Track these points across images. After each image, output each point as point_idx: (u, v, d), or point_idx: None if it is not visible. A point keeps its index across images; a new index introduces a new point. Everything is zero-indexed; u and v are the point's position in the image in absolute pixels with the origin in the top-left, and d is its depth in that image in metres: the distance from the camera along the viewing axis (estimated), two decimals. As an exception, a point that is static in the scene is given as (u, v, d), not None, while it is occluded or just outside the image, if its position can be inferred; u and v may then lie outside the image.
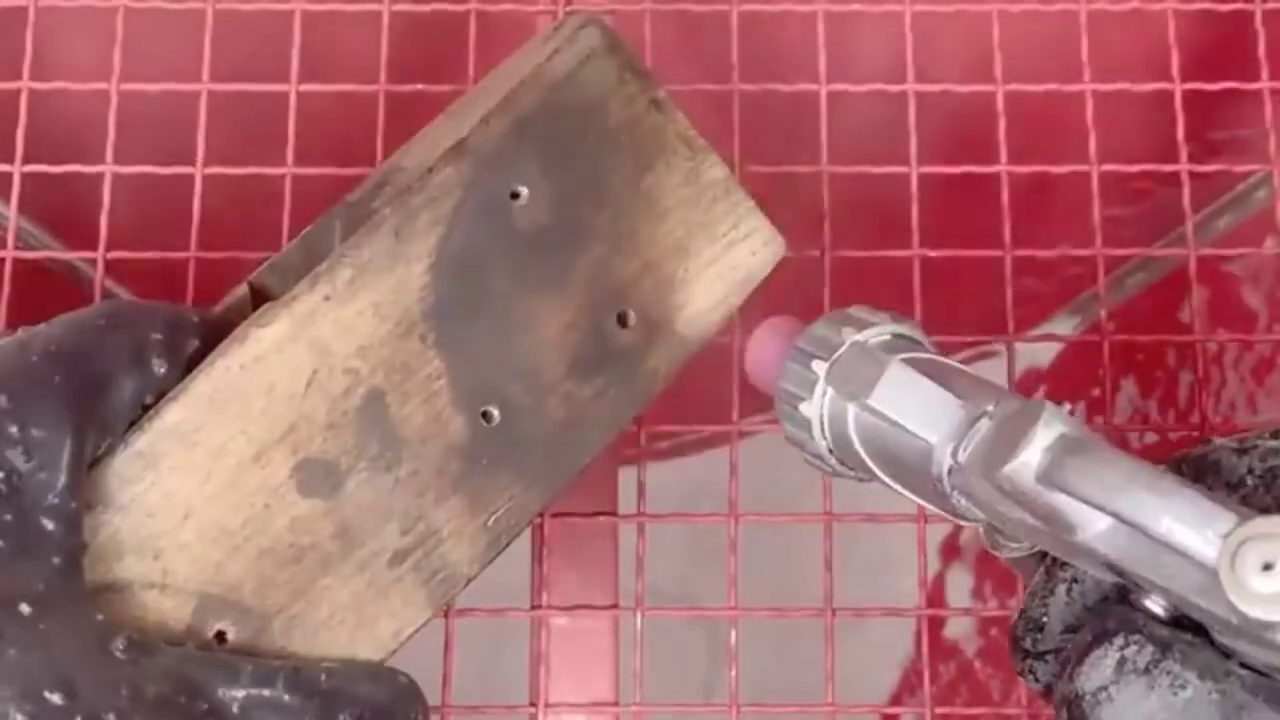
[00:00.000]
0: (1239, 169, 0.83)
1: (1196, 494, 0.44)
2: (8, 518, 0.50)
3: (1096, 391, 0.71)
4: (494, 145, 0.58)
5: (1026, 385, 1.12)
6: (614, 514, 0.71)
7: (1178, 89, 0.75)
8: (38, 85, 0.74)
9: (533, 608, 0.69)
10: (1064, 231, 0.75)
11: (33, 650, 0.49)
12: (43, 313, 0.56)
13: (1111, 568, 0.47)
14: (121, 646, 0.50)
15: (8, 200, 0.73)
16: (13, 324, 0.70)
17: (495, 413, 0.58)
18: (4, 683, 0.48)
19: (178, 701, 0.51)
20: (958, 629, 1.08)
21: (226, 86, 0.74)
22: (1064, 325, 1.10)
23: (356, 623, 0.57)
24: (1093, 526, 0.46)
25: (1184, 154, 0.74)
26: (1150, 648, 0.48)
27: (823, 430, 0.54)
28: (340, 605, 0.56)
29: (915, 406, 0.51)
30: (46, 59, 0.74)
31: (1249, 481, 0.51)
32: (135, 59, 0.74)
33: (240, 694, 0.52)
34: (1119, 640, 0.49)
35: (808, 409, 0.54)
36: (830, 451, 0.55)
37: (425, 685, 0.58)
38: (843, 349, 0.53)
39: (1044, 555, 0.54)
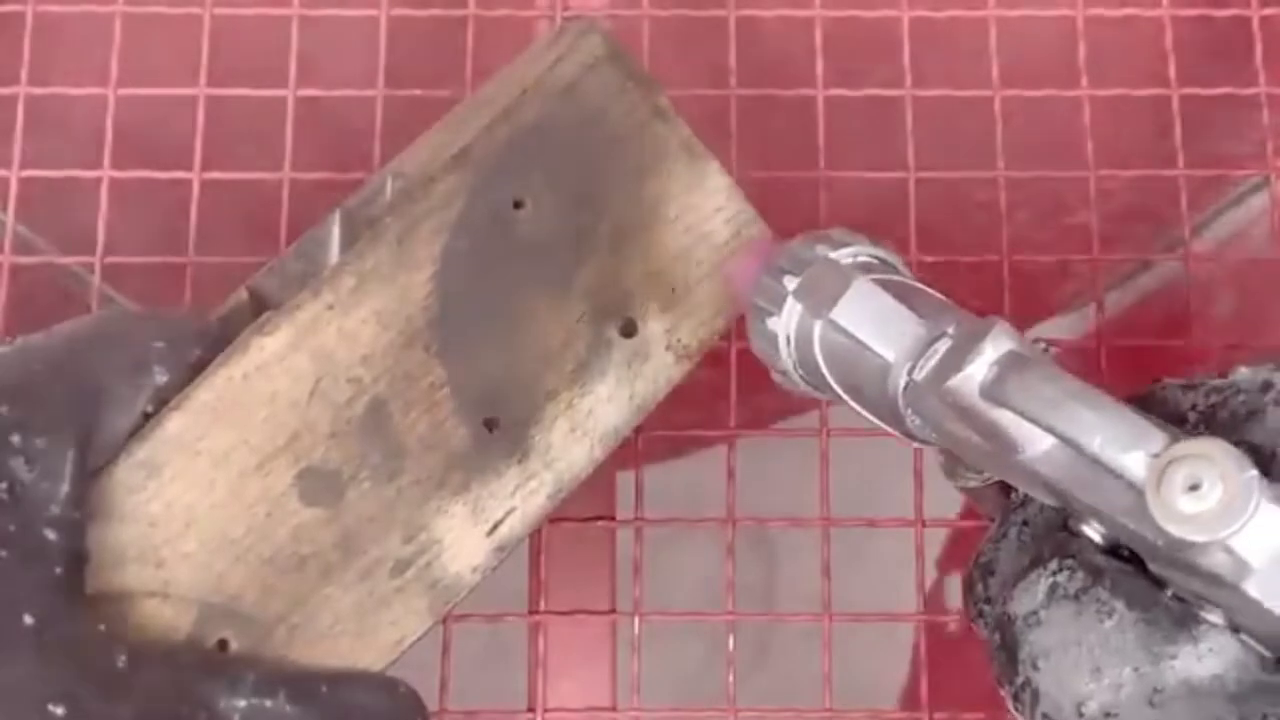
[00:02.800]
0: (1236, 174, 0.82)
1: (1131, 413, 0.45)
2: (10, 528, 0.49)
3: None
4: (497, 153, 0.58)
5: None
6: (612, 519, 0.71)
7: (1175, 94, 0.75)
8: (35, 90, 0.74)
9: (530, 613, 0.69)
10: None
11: (36, 662, 0.49)
12: (40, 318, 0.56)
13: (1051, 490, 0.47)
14: (124, 658, 0.50)
15: (5, 205, 0.73)
16: (10, 329, 0.69)
17: (498, 421, 0.58)
18: (7, 696, 0.48)
19: (180, 712, 0.51)
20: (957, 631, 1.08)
21: (224, 91, 0.74)
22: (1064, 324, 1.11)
23: (358, 632, 0.57)
24: (1034, 446, 0.47)
25: (1180, 159, 0.74)
26: (1081, 574, 0.48)
27: (789, 346, 0.54)
28: (342, 614, 0.56)
29: (875, 323, 0.51)
30: (44, 63, 0.74)
31: (1190, 417, 0.51)
32: (133, 63, 0.73)
33: (242, 704, 0.52)
34: (1053, 565, 0.49)
35: (775, 324, 0.54)
36: (796, 367, 0.54)
37: (423, 690, 0.57)
38: (813, 265, 0.53)
39: (1003, 487, 0.54)
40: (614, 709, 0.69)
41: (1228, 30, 0.76)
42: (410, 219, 0.56)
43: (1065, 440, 0.45)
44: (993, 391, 0.47)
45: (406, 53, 0.74)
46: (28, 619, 0.49)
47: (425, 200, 0.56)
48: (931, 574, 0.70)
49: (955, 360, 0.48)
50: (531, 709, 0.68)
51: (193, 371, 0.55)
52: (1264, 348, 0.84)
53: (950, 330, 0.50)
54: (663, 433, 0.68)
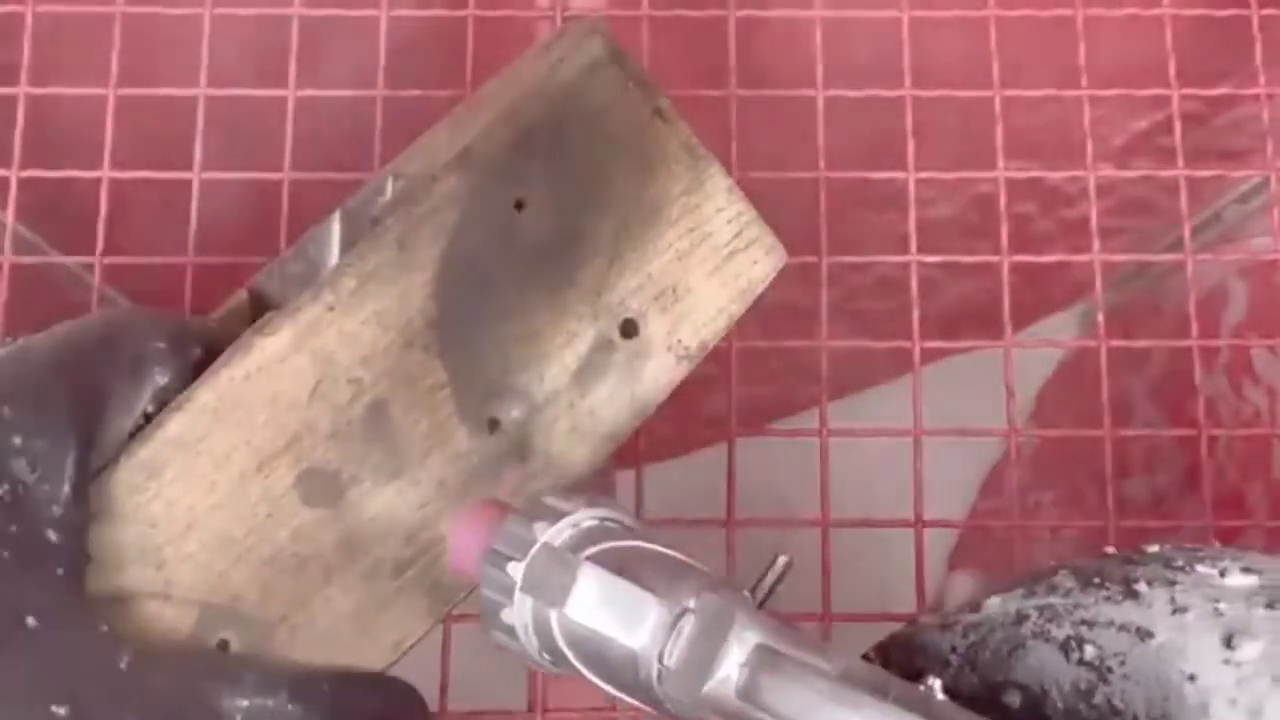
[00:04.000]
0: (1237, 174, 0.83)
1: (893, 708, 0.43)
2: (12, 529, 0.49)
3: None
4: (498, 155, 0.58)
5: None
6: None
7: (1175, 95, 0.75)
8: (35, 90, 0.74)
9: (530, 613, 0.69)
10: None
11: (39, 664, 0.49)
12: (40, 318, 0.56)
13: None
14: (126, 658, 0.50)
15: (5, 205, 0.73)
16: (10, 329, 0.69)
17: (498, 422, 0.58)
18: (10, 696, 0.48)
19: (182, 712, 0.51)
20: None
21: (224, 91, 0.74)
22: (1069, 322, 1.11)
23: (359, 632, 0.57)
24: None
25: (1181, 158, 0.74)
26: None
27: (529, 635, 0.51)
28: (343, 615, 0.56)
29: (612, 612, 0.48)
30: (43, 64, 0.74)
31: (953, 660, 0.51)
32: (133, 64, 0.73)
33: (244, 703, 0.52)
34: None
35: (510, 616, 0.51)
36: (543, 656, 0.52)
37: (423, 690, 0.58)
38: (534, 550, 0.50)
39: None
40: (613, 709, 0.69)
41: (1228, 30, 0.76)
42: (411, 220, 0.56)
43: None
44: (749, 695, 0.46)
45: (406, 53, 0.74)
46: (30, 620, 0.49)
47: (426, 201, 0.56)
48: (932, 574, 0.69)
49: (705, 657, 0.46)
50: (531, 709, 0.68)
51: (193, 372, 0.55)
52: (1265, 345, 0.84)
53: (691, 604, 0.47)
54: (663, 433, 0.68)
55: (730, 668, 0.46)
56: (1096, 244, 0.73)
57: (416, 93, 0.73)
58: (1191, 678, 0.46)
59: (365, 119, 0.73)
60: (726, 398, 0.70)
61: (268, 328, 0.55)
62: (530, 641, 0.51)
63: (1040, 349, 1.10)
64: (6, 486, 0.50)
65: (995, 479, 1.06)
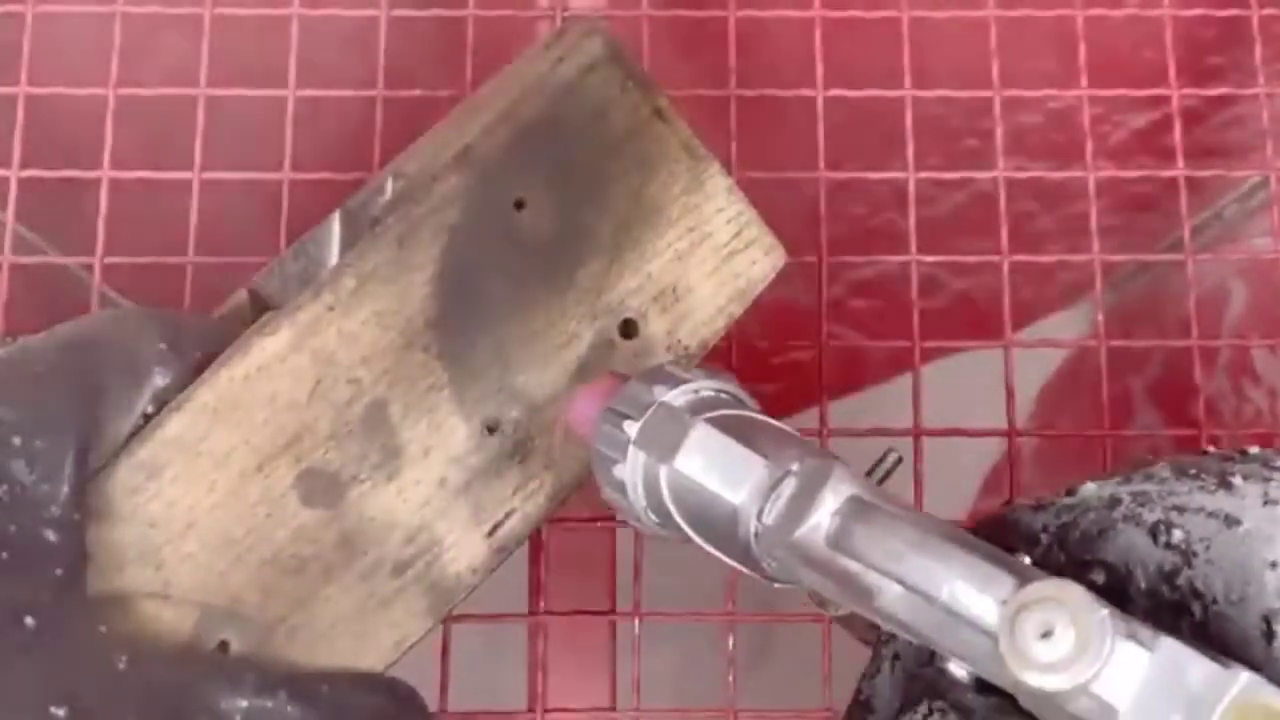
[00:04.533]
0: (1237, 173, 0.83)
1: (978, 558, 0.44)
2: (11, 529, 0.49)
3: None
4: (498, 154, 0.58)
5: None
6: (612, 519, 0.71)
7: (1175, 94, 0.75)
8: (35, 90, 0.74)
9: (530, 613, 0.69)
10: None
11: (38, 664, 0.49)
12: (40, 318, 0.56)
13: (912, 634, 0.46)
14: (125, 659, 0.50)
15: (5, 206, 0.73)
16: (10, 329, 0.69)
17: (498, 422, 0.58)
18: (9, 697, 0.48)
19: (182, 713, 0.51)
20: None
21: (224, 91, 0.73)
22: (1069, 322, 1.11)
23: (358, 633, 0.57)
24: (886, 593, 0.46)
25: (1180, 158, 0.74)
26: (954, 716, 0.48)
27: (637, 492, 0.53)
28: (342, 615, 0.56)
29: (719, 468, 0.50)
30: (43, 63, 0.74)
31: (1043, 539, 0.51)
32: (133, 64, 0.73)
33: (243, 704, 0.52)
34: (923, 709, 0.49)
35: (621, 471, 0.53)
36: (647, 514, 0.53)
37: (423, 691, 0.58)
38: (651, 410, 0.52)
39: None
40: (614, 709, 0.69)
41: (1227, 30, 0.76)
42: (411, 220, 0.56)
43: (913, 591, 0.45)
44: (838, 542, 0.46)
45: (406, 53, 0.74)
46: (29, 621, 0.49)
47: (426, 201, 0.57)
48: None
49: (799, 508, 0.48)
50: (531, 709, 0.68)
51: (193, 372, 0.55)
52: (1265, 346, 0.84)
53: (794, 467, 0.49)
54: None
55: (823, 516, 0.47)
56: (1096, 244, 0.73)
57: (417, 93, 0.73)
58: (1274, 565, 0.47)
59: (365, 119, 0.73)
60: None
61: (267, 328, 0.55)
62: (638, 498, 0.53)
63: (1040, 349, 1.10)
64: (5, 487, 0.50)
65: (995, 479, 1.06)
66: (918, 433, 0.71)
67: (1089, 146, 0.74)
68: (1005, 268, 0.73)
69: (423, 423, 0.57)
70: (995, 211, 0.74)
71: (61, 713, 0.48)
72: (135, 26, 0.74)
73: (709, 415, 0.51)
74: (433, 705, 0.62)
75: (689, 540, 0.53)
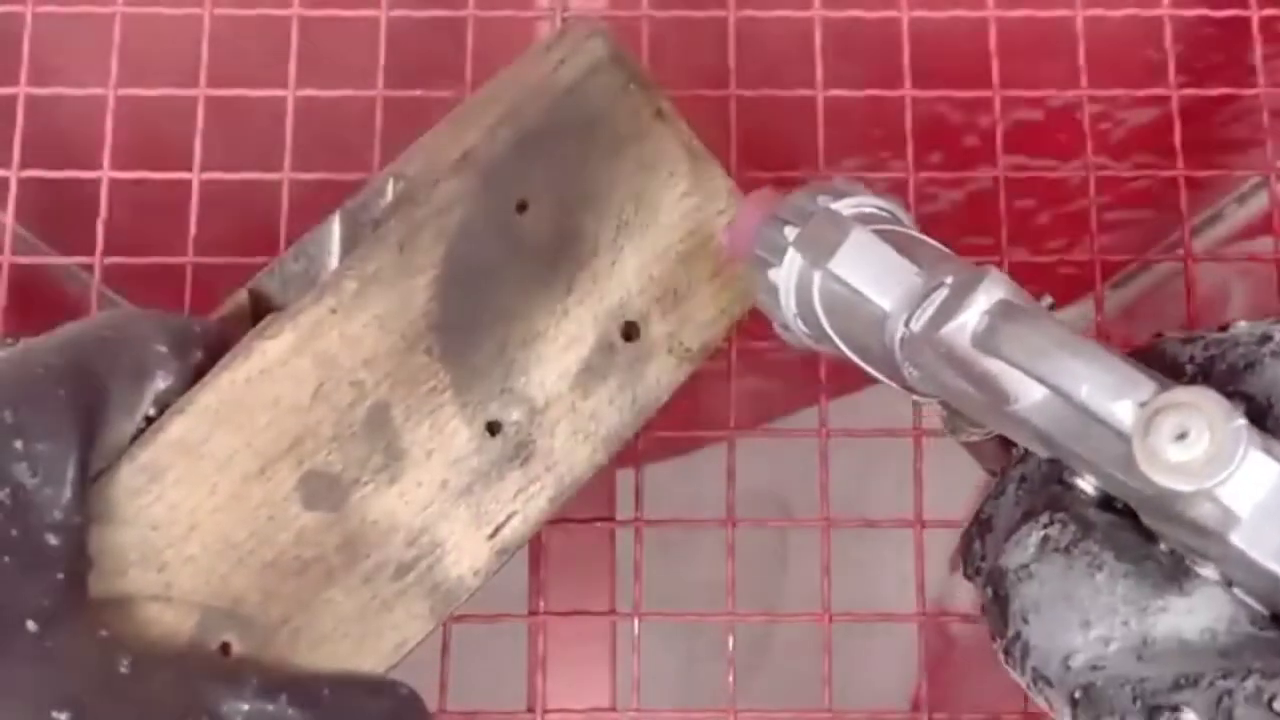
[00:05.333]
0: (1236, 174, 0.83)
1: (1120, 361, 0.45)
2: (13, 533, 0.49)
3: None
4: (500, 157, 0.58)
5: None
6: (612, 519, 0.71)
7: (1174, 95, 0.75)
8: (35, 90, 0.74)
9: (530, 613, 0.69)
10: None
11: (40, 668, 0.48)
12: (40, 319, 0.56)
13: (1044, 441, 0.47)
14: (127, 663, 0.50)
15: (4, 206, 0.73)
16: (10, 330, 0.69)
17: (500, 425, 0.58)
18: (12, 702, 0.48)
19: (183, 716, 0.51)
20: (957, 634, 1.08)
21: (224, 92, 0.73)
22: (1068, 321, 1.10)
23: (360, 635, 0.57)
24: (1026, 396, 0.46)
25: (1180, 159, 0.74)
26: (1073, 527, 0.48)
27: (790, 297, 0.54)
28: (344, 617, 0.56)
29: (873, 273, 0.51)
30: (43, 64, 0.74)
31: (1188, 369, 0.51)
32: (133, 64, 0.73)
33: (245, 707, 0.52)
34: (1044, 518, 0.49)
35: (776, 275, 0.54)
36: (796, 319, 0.54)
37: (423, 691, 0.57)
38: (814, 216, 0.53)
39: (1003, 443, 0.54)
40: (614, 709, 0.69)
41: (1227, 30, 0.76)
42: (413, 223, 0.56)
43: (1054, 389, 0.45)
44: (984, 340, 0.47)
45: (406, 53, 0.74)
46: (30, 625, 0.49)
47: (428, 204, 0.57)
48: (933, 574, 0.69)
49: (949, 309, 0.48)
50: (531, 709, 0.68)
51: (195, 374, 0.55)
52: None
53: (948, 280, 0.49)
54: (663, 433, 0.68)
55: (971, 315, 0.47)
56: (1096, 244, 0.73)
57: (417, 93, 0.73)
58: None
59: (365, 119, 0.73)
60: (726, 398, 0.70)
61: (269, 330, 0.55)
62: (788, 303, 0.54)
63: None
64: (7, 490, 0.49)
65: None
66: (917, 433, 0.71)
67: (1089, 146, 0.74)
68: (1005, 268, 0.73)
69: (425, 425, 0.57)
70: (993, 208, 0.74)
71: (64, 717, 0.48)
72: (135, 26, 0.74)
73: (871, 227, 0.52)
74: (433, 705, 0.62)
75: (835, 349, 0.53)
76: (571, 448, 0.59)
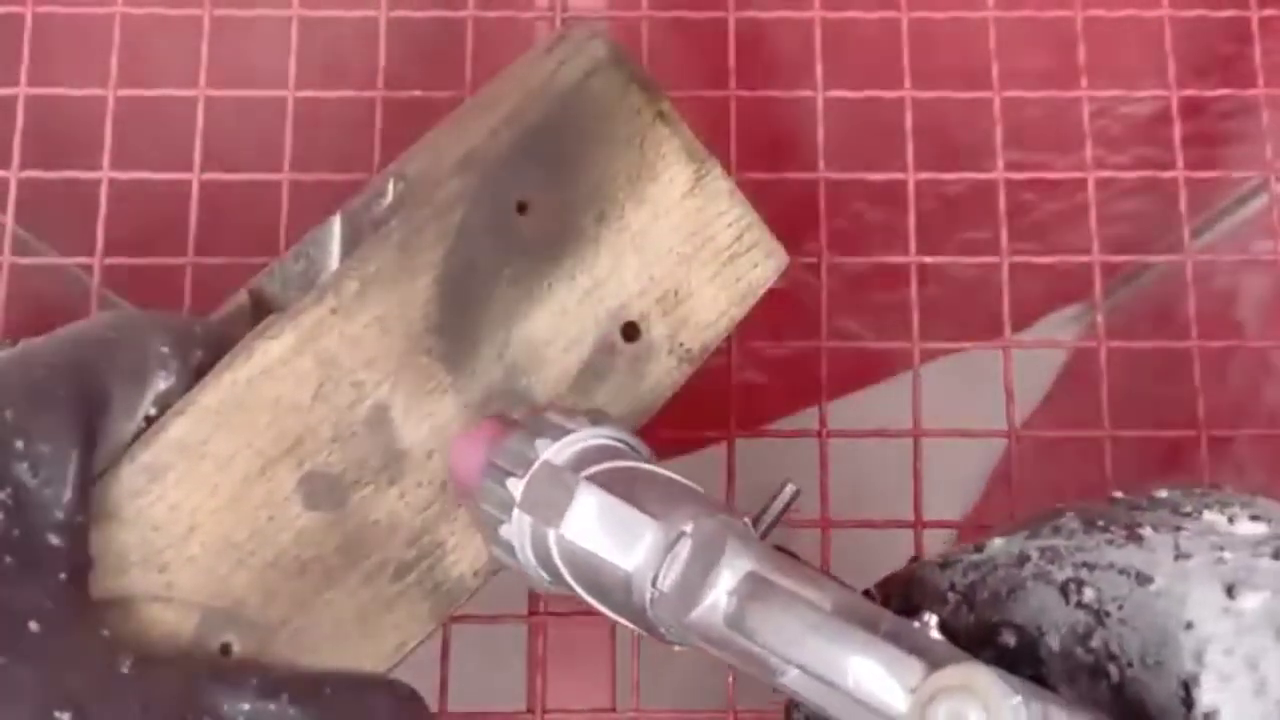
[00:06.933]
0: (1236, 174, 0.83)
1: (883, 643, 0.43)
2: (15, 534, 0.49)
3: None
4: (501, 157, 0.57)
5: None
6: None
7: (1174, 95, 0.75)
8: (35, 90, 0.74)
9: (530, 613, 0.69)
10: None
11: (41, 669, 0.48)
12: (40, 319, 0.56)
13: (822, 713, 0.45)
14: (128, 663, 0.50)
15: (4, 206, 0.73)
16: (9, 330, 0.69)
17: None
18: (13, 703, 0.48)
19: (184, 716, 0.51)
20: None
21: (224, 92, 0.73)
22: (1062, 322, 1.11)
23: (360, 635, 0.57)
24: (789, 672, 0.45)
25: (1180, 159, 0.74)
26: None
27: (527, 554, 0.51)
28: (344, 618, 0.56)
29: (609, 534, 0.48)
30: (43, 64, 0.74)
31: (950, 598, 0.50)
32: (133, 64, 0.73)
33: (246, 707, 0.52)
34: None
35: (508, 532, 0.52)
36: (540, 575, 0.52)
37: (423, 691, 0.57)
38: (534, 468, 0.50)
39: None
40: (614, 709, 0.69)
41: (1227, 31, 0.76)
42: (414, 224, 0.56)
43: (817, 677, 0.43)
44: (737, 623, 0.45)
45: (406, 53, 0.74)
46: (32, 625, 0.49)
47: (429, 205, 0.56)
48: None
49: (695, 585, 0.46)
50: (531, 709, 0.68)
51: (195, 375, 0.55)
52: (1264, 347, 0.84)
53: (688, 529, 0.47)
54: (662, 433, 0.68)
55: (719, 595, 0.45)
56: (1096, 244, 0.73)
57: (416, 93, 0.73)
58: (1189, 625, 0.45)
59: (365, 119, 0.73)
60: (726, 398, 0.70)
61: (270, 331, 0.55)
62: (528, 559, 0.51)
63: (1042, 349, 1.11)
64: (9, 490, 0.49)
65: (996, 479, 1.06)
66: (917, 433, 0.71)
67: (1088, 147, 0.74)
68: (1005, 268, 0.73)
69: (425, 426, 0.57)
70: (992, 202, 0.74)
71: (65, 717, 0.48)
72: (135, 26, 0.74)
73: (594, 470, 0.50)
74: (433, 705, 0.62)
75: (588, 604, 0.51)
76: None
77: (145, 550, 0.53)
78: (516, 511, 0.51)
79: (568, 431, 0.52)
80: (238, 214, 0.72)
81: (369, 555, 0.56)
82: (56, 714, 0.48)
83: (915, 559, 0.52)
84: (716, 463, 0.71)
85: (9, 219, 0.73)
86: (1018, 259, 0.73)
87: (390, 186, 0.61)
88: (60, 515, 0.50)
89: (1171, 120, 0.75)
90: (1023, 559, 0.49)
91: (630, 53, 0.60)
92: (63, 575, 0.50)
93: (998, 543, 0.51)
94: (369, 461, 0.56)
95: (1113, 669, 0.46)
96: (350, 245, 0.60)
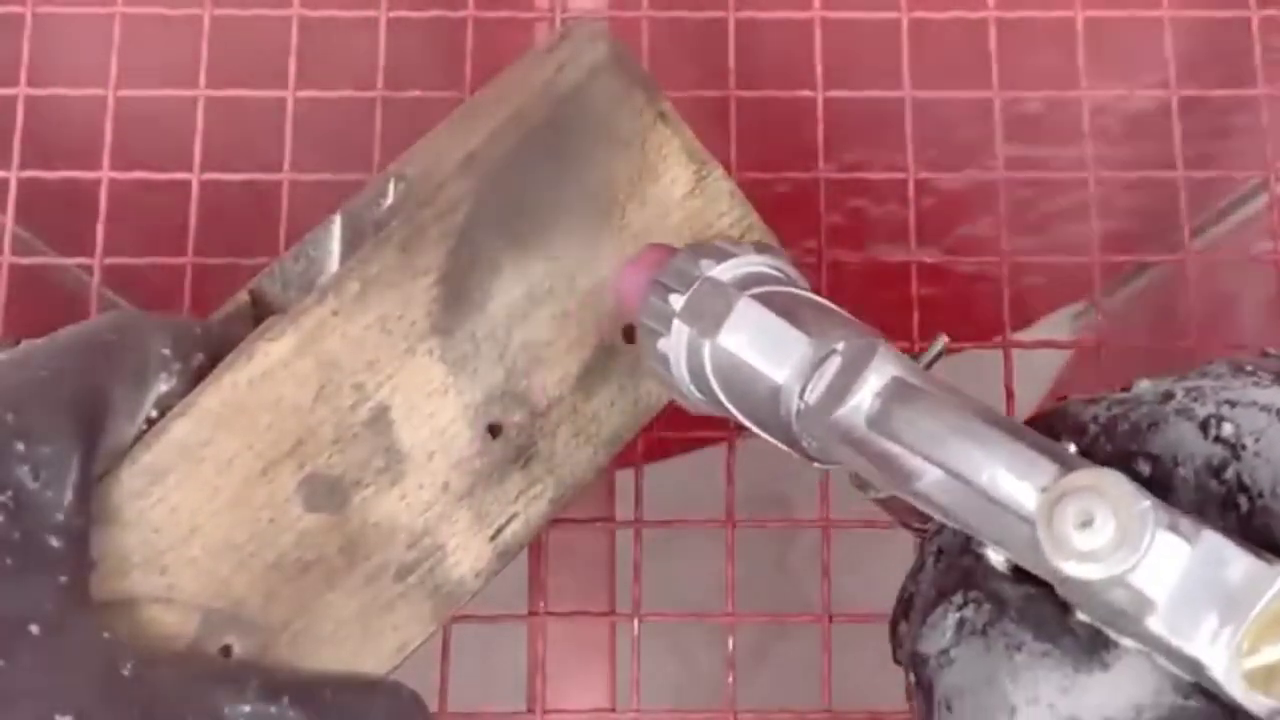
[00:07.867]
0: (1236, 175, 0.83)
1: (1020, 444, 0.44)
2: (15, 536, 0.49)
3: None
4: (502, 159, 0.57)
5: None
6: (611, 519, 0.71)
7: (1174, 95, 0.75)
8: (35, 91, 0.74)
9: (530, 613, 0.69)
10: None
11: (42, 672, 0.48)
12: (40, 319, 0.56)
13: (951, 518, 0.46)
14: (129, 666, 0.50)
15: (4, 207, 0.73)
16: (9, 331, 0.69)
17: (501, 427, 0.58)
18: (15, 706, 0.48)
19: (185, 718, 0.51)
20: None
21: (224, 93, 0.73)
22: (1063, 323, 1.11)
23: (361, 637, 0.57)
24: (926, 476, 0.46)
25: (1180, 159, 0.74)
26: (988, 606, 0.47)
27: (681, 367, 0.53)
28: (345, 619, 0.56)
29: (762, 345, 0.50)
30: (43, 64, 0.74)
31: (1091, 429, 0.50)
32: (133, 64, 0.73)
33: (247, 709, 0.52)
34: (958, 599, 0.48)
35: (665, 345, 0.53)
36: (691, 389, 0.54)
37: (423, 692, 0.58)
38: (697, 284, 0.53)
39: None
40: (613, 709, 0.69)
41: (1227, 31, 0.76)
42: (415, 224, 0.56)
43: (953, 475, 0.44)
44: (878, 424, 0.46)
45: (406, 53, 0.74)
46: (33, 628, 0.49)
47: (430, 206, 0.56)
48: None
49: (841, 387, 0.47)
50: (531, 710, 0.68)
51: (196, 376, 0.55)
52: (1264, 347, 0.84)
53: (839, 347, 0.49)
54: (663, 433, 0.68)
55: (865, 397, 0.47)
56: (1096, 244, 0.73)
57: (416, 93, 0.73)
58: None
59: (365, 119, 0.73)
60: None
61: (271, 332, 0.55)
62: (681, 373, 0.53)
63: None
64: (9, 493, 0.49)
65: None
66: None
67: (1089, 147, 0.74)
68: (1005, 269, 0.73)
69: (426, 427, 0.57)
70: (992, 197, 0.74)
71: (67, 719, 0.48)
72: (135, 26, 0.74)
73: (755, 291, 0.51)
74: (433, 706, 0.62)
75: (733, 418, 0.53)
76: (573, 450, 0.59)
77: (146, 552, 0.53)
78: (676, 323, 0.53)
79: (731, 255, 0.53)
80: (238, 214, 0.72)
81: (370, 557, 0.56)
82: (58, 717, 0.48)
83: (1063, 397, 0.53)
84: (716, 463, 0.71)
85: (9, 219, 0.73)
86: (1018, 259, 0.73)
87: (391, 187, 0.61)
88: (61, 518, 0.50)
89: (1171, 120, 0.75)
90: (1168, 396, 0.49)
91: (631, 54, 0.60)
92: (63, 578, 0.50)
93: (1145, 383, 0.51)
94: (370, 463, 0.56)
95: (1243, 500, 0.46)
96: (351, 246, 0.60)
